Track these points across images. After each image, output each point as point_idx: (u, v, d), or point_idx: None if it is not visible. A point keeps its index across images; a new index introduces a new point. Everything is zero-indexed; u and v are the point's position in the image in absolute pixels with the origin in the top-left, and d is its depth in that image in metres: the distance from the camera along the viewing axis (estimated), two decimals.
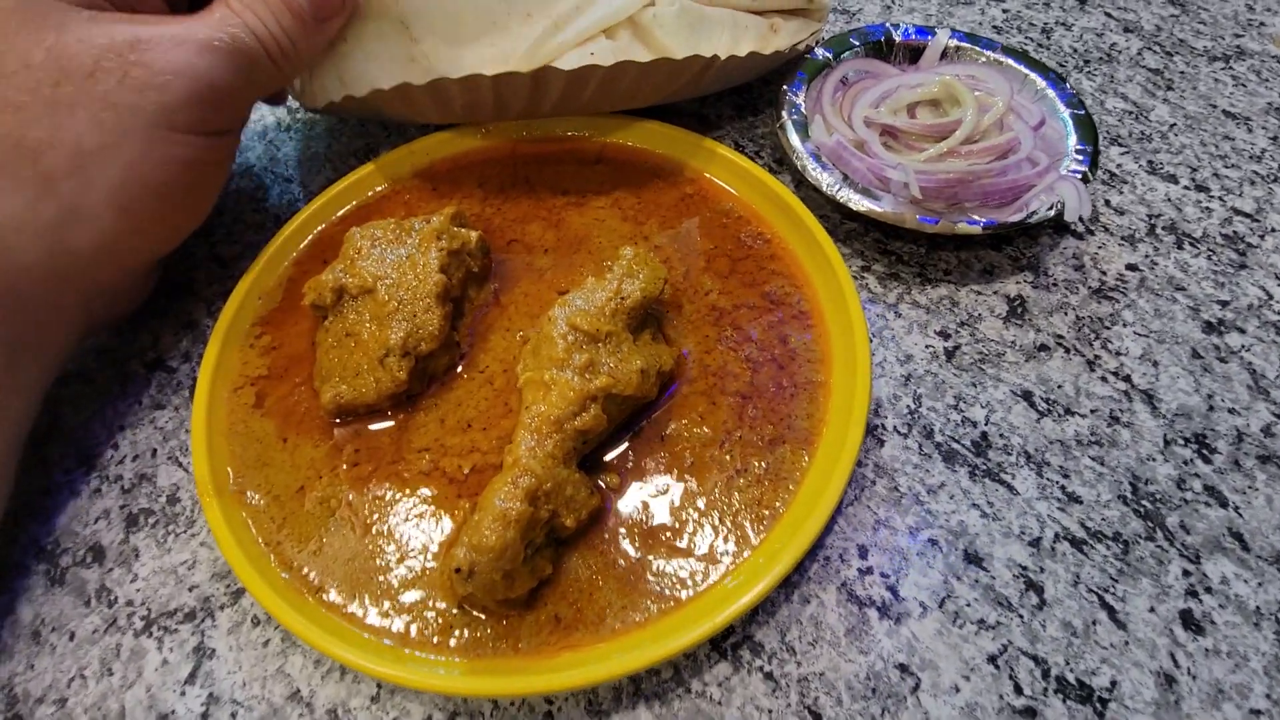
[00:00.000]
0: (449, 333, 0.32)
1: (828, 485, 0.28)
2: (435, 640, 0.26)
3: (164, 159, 0.28)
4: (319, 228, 0.38)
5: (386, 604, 0.27)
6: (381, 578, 0.27)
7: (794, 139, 0.39)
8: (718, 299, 0.35)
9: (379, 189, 0.39)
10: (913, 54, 0.45)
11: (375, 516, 0.29)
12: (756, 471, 0.30)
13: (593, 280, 0.32)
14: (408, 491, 0.29)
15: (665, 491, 0.29)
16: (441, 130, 0.40)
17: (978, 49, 0.43)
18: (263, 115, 0.48)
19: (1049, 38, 0.50)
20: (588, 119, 0.41)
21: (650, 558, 0.28)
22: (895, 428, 0.33)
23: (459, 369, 0.33)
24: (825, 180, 0.37)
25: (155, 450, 0.33)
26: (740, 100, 0.47)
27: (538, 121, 0.41)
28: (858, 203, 0.36)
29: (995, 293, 0.37)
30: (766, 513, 0.29)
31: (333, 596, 0.27)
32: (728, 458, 0.30)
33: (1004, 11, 0.52)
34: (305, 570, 0.28)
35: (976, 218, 0.35)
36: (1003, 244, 0.39)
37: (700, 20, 0.40)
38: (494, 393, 0.32)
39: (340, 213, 0.38)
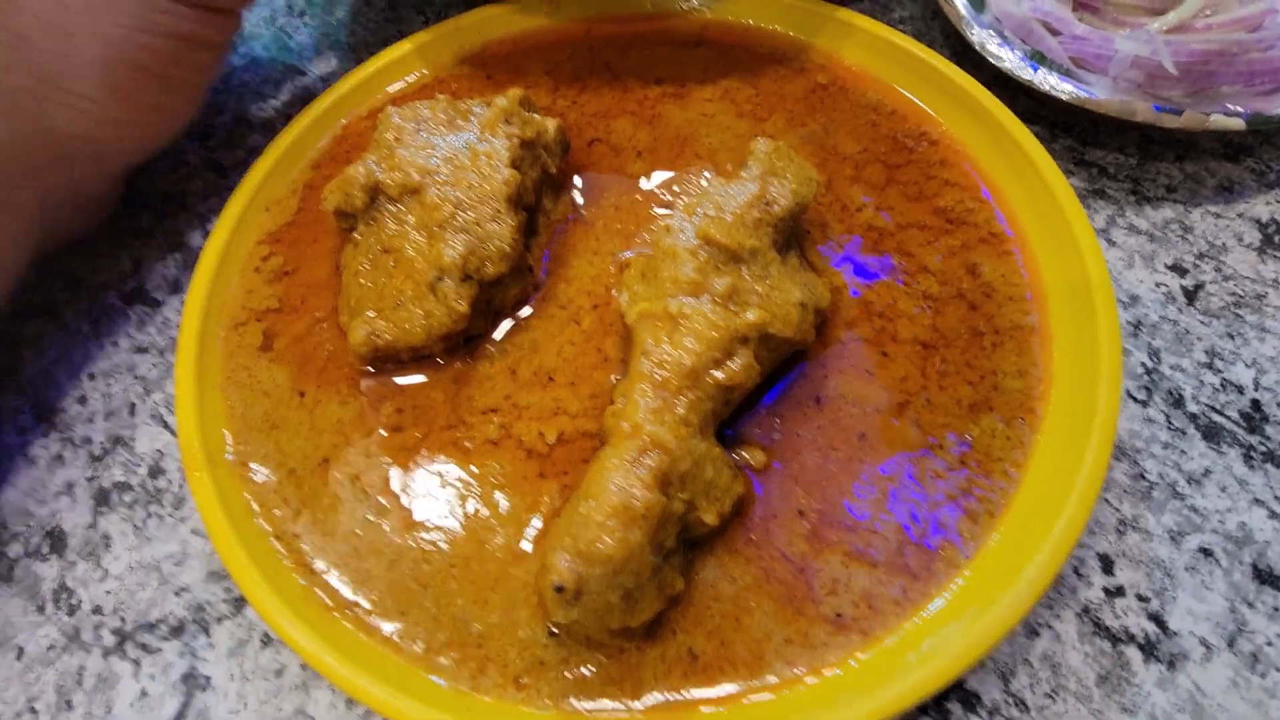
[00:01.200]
0: (522, 253, 0.23)
1: (1070, 476, 0.19)
2: (520, 683, 0.18)
3: (159, 29, 0.23)
4: (342, 121, 0.29)
5: (447, 629, 0.19)
6: (438, 590, 0.19)
7: (965, 10, 0.29)
8: (874, 216, 0.26)
9: (418, 75, 0.30)
10: None
11: (426, 502, 0.21)
12: (955, 450, 0.21)
13: (717, 180, 0.23)
14: (471, 468, 0.21)
15: (830, 476, 0.21)
16: (494, 4, 0.31)
17: None
18: None
19: None
20: None
21: (818, 567, 0.19)
22: (1129, 392, 0.24)
23: (532, 303, 0.24)
24: (1010, 63, 0.28)
25: (134, 406, 0.25)
26: None
27: None
28: (1062, 89, 0.27)
29: (1240, 215, 0.28)
30: (980, 510, 0.20)
31: (370, 614, 0.19)
32: (912, 430, 0.22)
33: None
34: (331, 575, 0.20)
35: (1235, 107, 0.26)
36: (1240, 154, 0.29)
37: None
38: (581, 335, 0.24)
39: (369, 104, 0.30)
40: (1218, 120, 0.25)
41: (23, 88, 0.22)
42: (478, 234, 0.22)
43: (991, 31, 0.29)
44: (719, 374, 0.19)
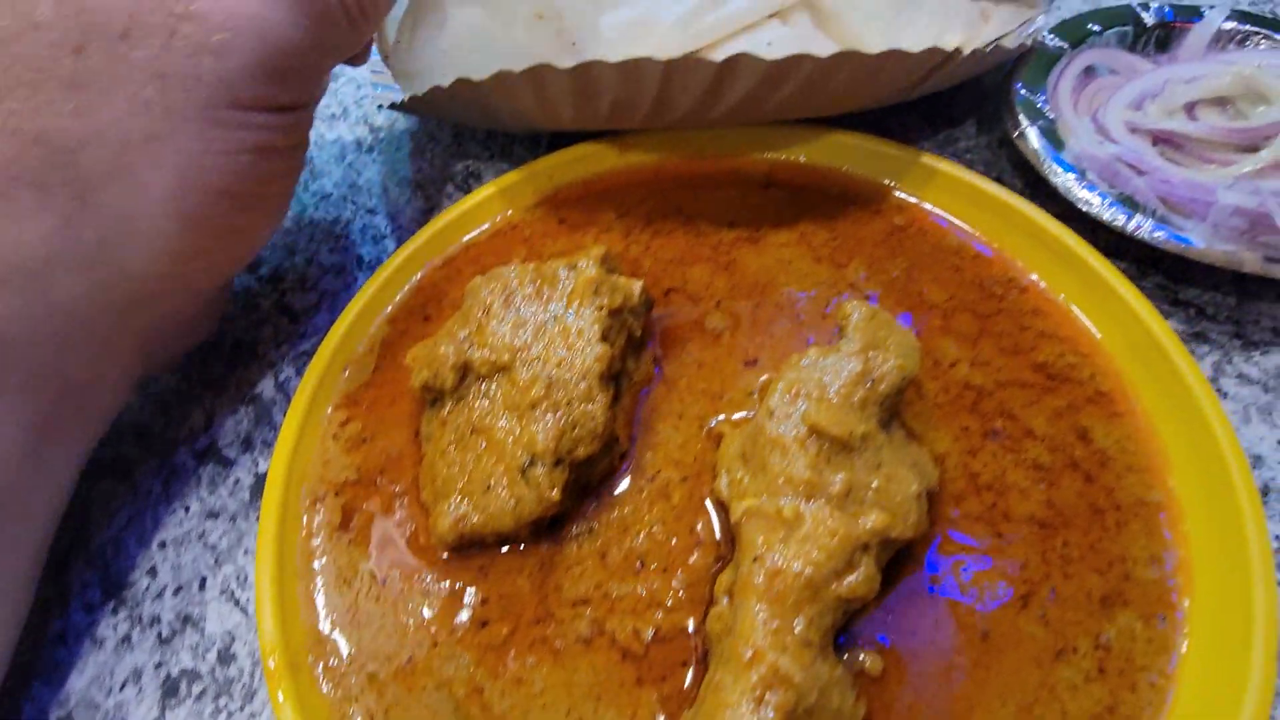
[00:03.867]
0: (611, 426, 0.22)
1: (1233, 690, 0.17)
2: None
3: (228, 146, 0.21)
4: (419, 273, 0.29)
5: None
6: None
7: (1044, 150, 0.29)
8: (970, 373, 0.25)
9: (492, 222, 0.31)
10: (1161, 42, 0.34)
11: (516, 714, 0.19)
12: (1091, 655, 0.19)
13: (814, 352, 0.22)
14: (563, 672, 0.20)
15: (955, 688, 0.19)
16: (567, 147, 0.32)
17: (1266, 32, 0.33)
18: (340, 134, 0.40)
19: None
20: (747, 130, 0.32)
21: None
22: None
23: (619, 475, 0.23)
24: (1100, 207, 0.27)
25: (204, 579, 0.24)
26: (930, 106, 0.37)
27: (683, 134, 0.32)
28: (1160, 238, 0.26)
29: None
30: None
31: None
32: (1040, 629, 0.20)
33: None
34: None
35: None
36: None
37: (905, 2, 0.31)
38: (672, 512, 0.23)
39: (445, 253, 0.30)
40: None
41: (96, 239, 0.21)
42: (570, 415, 0.21)
43: (1074, 173, 0.28)
44: (841, 587, 0.17)
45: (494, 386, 0.22)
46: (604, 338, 0.22)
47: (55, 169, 0.19)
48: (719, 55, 0.28)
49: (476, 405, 0.22)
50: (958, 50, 0.27)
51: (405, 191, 0.36)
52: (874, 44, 0.31)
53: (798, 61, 0.25)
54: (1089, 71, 0.33)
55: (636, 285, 0.25)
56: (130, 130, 0.19)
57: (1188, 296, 0.28)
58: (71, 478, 0.24)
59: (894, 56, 0.25)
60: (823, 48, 0.29)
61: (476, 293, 0.23)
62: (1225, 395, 0.26)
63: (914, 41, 0.32)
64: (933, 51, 0.26)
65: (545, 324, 0.22)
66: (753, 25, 0.30)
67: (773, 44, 0.30)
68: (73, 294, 0.20)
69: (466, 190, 0.36)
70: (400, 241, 0.34)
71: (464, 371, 0.22)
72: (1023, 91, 0.31)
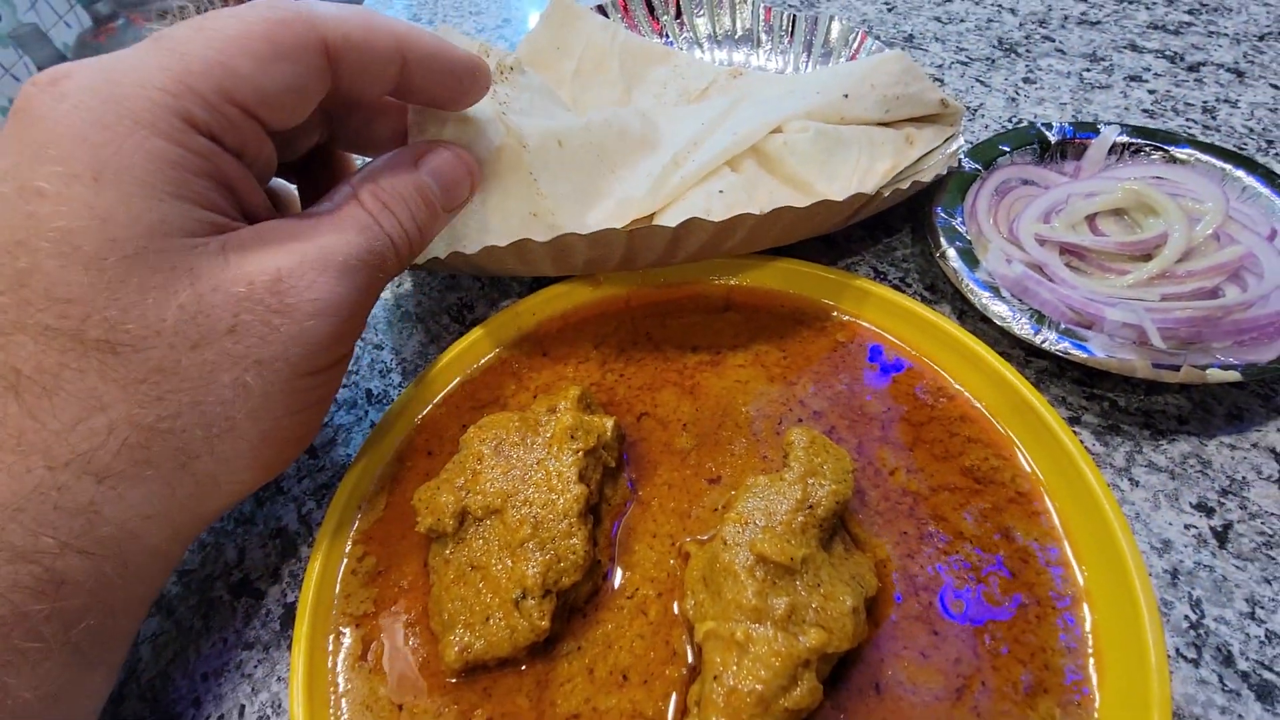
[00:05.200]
0: (592, 552, 0.26)
1: None
2: None
3: (304, 405, 0.25)
4: (421, 412, 0.33)
5: None
6: None
7: (961, 269, 0.33)
8: (907, 479, 0.28)
9: (484, 360, 0.35)
10: (1071, 152, 0.39)
11: None
12: None
13: (763, 480, 0.25)
14: None
15: None
16: (547, 285, 0.36)
17: (1155, 144, 0.37)
18: None
19: (1214, 118, 0.44)
20: (708, 261, 0.36)
21: None
22: (1179, 650, 0.25)
23: (602, 595, 0.27)
24: (1011, 320, 0.31)
25: (243, 708, 0.28)
26: (870, 221, 0.41)
27: (652, 269, 0.36)
28: (1064, 349, 0.29)
29: (1255, 445, 0.30)
30: None
31: None
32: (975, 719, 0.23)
33: (1150, 93, 0.47)
34: None
35: (1228, 359, 0.28)
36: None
37: (836, 144, 0.36)
38: (649, 626, 0.26)
39: (444, 391, 0.34)
40: (1215, 374, 0.27)
41: (186, 496, 0.23)
42: (554, 550, 0.25)
43: (988, 291, 0.32)
44: (788, 700, 0.21)
45: (488, 528, 0.25)
46: (581, 478, 0.26)
47: (167, 448, 0.21)
48: (676, 210, 0.33)
49: (474, 545, 0.25)
50: (879, 193, 0.32)
51: (408, 325, 0.41)
52: (812, 179, 0.36)
53: (741, 219, 0.29)
54: (1002, 187, 0.38)
55: (609, 423, 0.28)
56: (230, 408, 0.22)
57: (1102, 389, 0.32)
58: (123, 659, 0.25)
59: (823, 205, 0.30)
60: (767, 190, 0.34)
61: (471, 443, 0.27)
62: (1137, 484, 0.29)
63: (848, 173, 0.36)
64: (856, 196, 0.31)
65: (530, 469, 0.26)
66: (707, 176, 0.35)
67: (724, 190, 0.35)
68: (160, 538, 0.23)
69: (461, 321, 0.40)
70: (405, 374, 0.38)
71: (462, 516, 0.26)
72: (941, 214, 0.35)
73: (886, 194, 0.32)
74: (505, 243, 0.29)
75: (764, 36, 0.50)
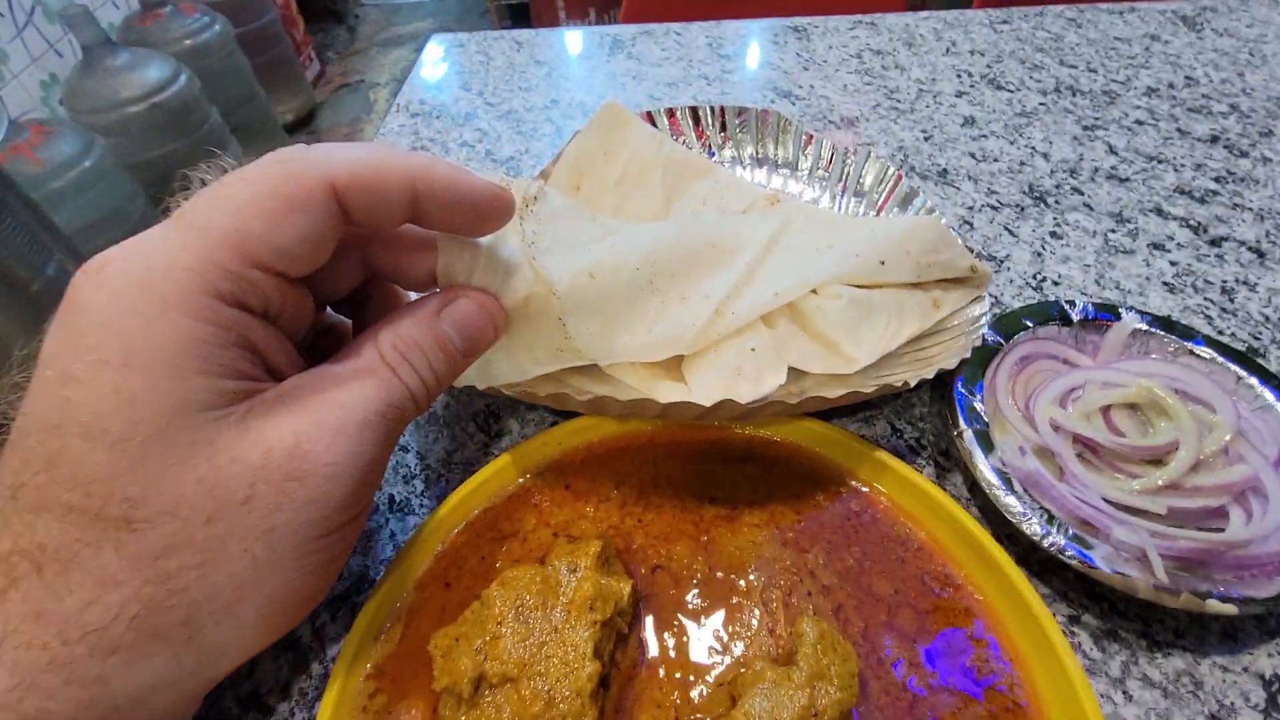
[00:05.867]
0: None
1: None
2: None
3: (316, 566, 0.25)
4: (442, 543, 0.34)
5: None
6: None
7: (976, 454, 0.34)
8: (908, 672, 0.29)
9: (507, 489, 0.36)
10: (1093, 328, 0.40)
11: None
12: None
13: (770, 677, 0.26)
14: None
15: None
16: (574, 418, 0.37)
17: (1172, 337, 0.39)
18: None
19: (1232, 300, 0.45)
20: None
21: None
22: None
23: None
24: (1022, 518, 0.32)
25: None
26: None
27: None
28: (1070, 554, 0.30)
29: (1246, 670, 0.30)
30: None
31: None
32: None
33: (1171, 264, 0.48)
34: None
35: (1228, 591, 0.29)
36: None
37: (867, 312, 0.37)
38: None
39: (467, 520, 0.35)
40: (1213, 605, 0.28)
41: (193, 664, 0.23)
42: None
43: (997, 477, 0.33)
44: None
45: (502, 695, 0.26)
46: (596, 653, 0.27)
47: (174, 621, 0.22)
48: (708, 362, 0.34)
49: (488, 712, 0.26)
50: (905, 383, 0.33)
51: (434, 429, 0.42)
52: (840, 339, 0.37)
53: (769, 405, 0.30)
54: (1023, 360, 0.39)
55: (626, 589, 0.29)
56: (240, 577, 0.23)
57: (1104, 590, 0.33)
58: None
59: (851, 396, 0.31)
60: (798, 349, 0.35)
61: (492, 604, 0.28)
62: (1131, 698, 0.30)
63: (874, 338, 0.38)
64: (884, 388, 0.32)
65: (548, 638, 0.27)
66: (743, 330, 0.37)
67: (756, 349, 0.36)
68: (163, 707, 0.24)
69: (486, 431, 0.41)
70: (428, 482, 0.39)
71: (478, 681, 0.27)
72: (960, 390, 0.37)
73: (913, 383, 0.33)
74: (541, 384, 0.31)
75: (803, 163, 0.52)
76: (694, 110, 0.53)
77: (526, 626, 0.28)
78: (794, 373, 0.37)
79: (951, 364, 0.35)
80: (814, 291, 0.38)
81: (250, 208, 0.23)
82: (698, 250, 0.38)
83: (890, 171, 0.48)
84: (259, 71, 2.00)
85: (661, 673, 0.30)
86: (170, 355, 0.22)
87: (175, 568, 0.22)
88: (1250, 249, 0.49)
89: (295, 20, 2.57)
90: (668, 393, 0.35)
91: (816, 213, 0.48)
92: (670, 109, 0.53)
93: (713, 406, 0.31)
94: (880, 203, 0.48)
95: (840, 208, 0.50)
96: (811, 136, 0.52)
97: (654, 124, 0.53)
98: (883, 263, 0.39)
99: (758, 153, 0.53)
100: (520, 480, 0.36)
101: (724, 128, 0.54)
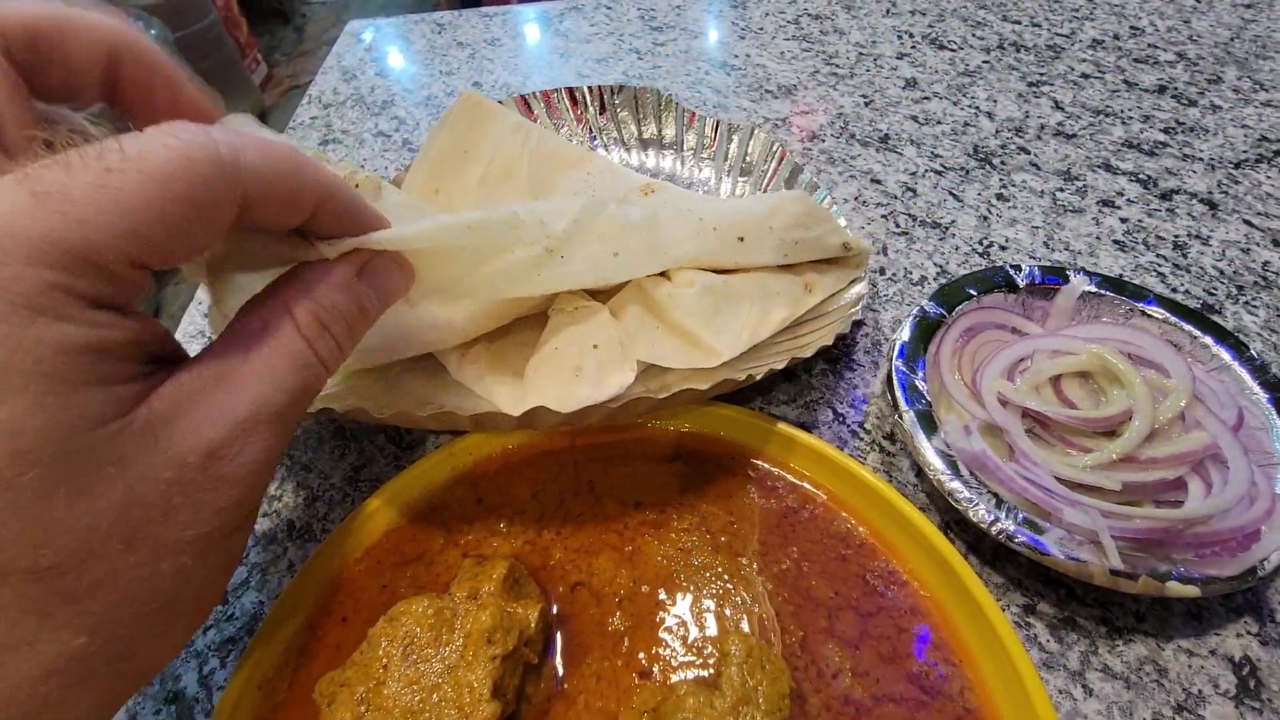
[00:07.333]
0: None
1: None
2: None
3: (232, 563, 0.23)
4: (339, 570, 0.30)
5: None
6: None
7: (918, 437, 0.31)
8: (850, 684, 0.27)
9: (413, 506, 0.32)
10: (1040, 293, 0.38)
11: None
12: None
13: (691, 704, 0.23)
14: None
15: None
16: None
17: (1123, 298, 0.36)
18: None
19: (1185, 255, 0.43)
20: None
21: None
22: None
23: None
24: (968, 504, 0.29)
25: None
26: (833, 350, 0.40)
27: None
28: (1020, 541, 0.28)
29: (1212, 653, 0.28)
30: None
31: None
32: None
33: (1122, 221, 0.46)
34: None
35: (1188, 571, 0.27)
36: None
37: (724, 299, 0.34)
38: None
39: (364, 546, 0.31)
40: (1174, 588, 0.26)
41: (122, 694, 0.21)
42: None
43: (943, 461, 0.30)
44: None
45: None
46: (495, 692, 0.24)
47: (101, 662, 0.20)
48: (543, 365, 0.32)
49: None
50: (770, 369, 0.31)
51: (339, 444, 0.38)
52: (699, 330, 0.34)
53: (633, 402, 0.28)
54: (968, 331, 0.37)
55: (534, 614, 0.26)
56: (171, 595, 0.21)
57: (1060, 575, 0.31)
58: None
59: (725, 385, 0.29)
60: (648, 343, 0.33)
61: (377, 644, 0.25)
62: (1091, 692, 0.28)
63: (738, 327, 0.35)
64: (751, 375, 0.30)
65: (440, 680, 0.24)
66: (586, 319, 0.33)
67: (599, 345, 0.33)
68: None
69: (398, 444, 0.38)
70: (331, 504, 0.36)
71: None
72: (901, 368, 0.34)
73: (780, 366, 0.31)
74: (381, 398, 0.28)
75: (689, 141, 0.49)
76: (571, 91, 0.50)
77: (415, 669, 0.24)
78: (656, 368, 0.34)
79: (828, 341, 0.33)
80: (667, 277, 0.35)
81: (155, 210, 0.19)
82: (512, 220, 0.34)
83: (775, 148, 0.45)
84: (202, 76, 1.91)
85: (581, 703, 0.27)
86: (52, 368, 0.18)
87: (99, 609, 0.19)
88: (1202, 200, 0.47)
89: (238, 22, 2.46)
90: (504, 398, 0.33)
91: (691, 198, 0.45)
92: (546, 91, 0.49)
93: (573, 419, 0.28)
94: (766, 182, 0.45)
95: (727, 187, 0.47)
96: (694, 115, 0.48)
97: (529, 109, 0.49)
98: (741, 239, 0.35)
99: (641, 133, 0.50)
100: (427, 496, 0.33)
101: (604, 109, 0.50)
